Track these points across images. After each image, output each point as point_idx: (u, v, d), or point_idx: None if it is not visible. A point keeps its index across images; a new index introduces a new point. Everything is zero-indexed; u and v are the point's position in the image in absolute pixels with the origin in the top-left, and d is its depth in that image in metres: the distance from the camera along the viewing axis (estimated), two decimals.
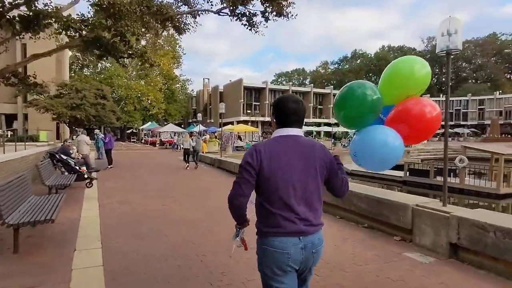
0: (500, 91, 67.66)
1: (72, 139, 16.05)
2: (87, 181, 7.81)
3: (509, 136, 54.77)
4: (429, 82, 2.72)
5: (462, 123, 67.69)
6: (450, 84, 4.34)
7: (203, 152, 18.50)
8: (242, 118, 47.25)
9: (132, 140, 47.25)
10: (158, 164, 15.85)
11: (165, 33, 48.82)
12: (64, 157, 7.61)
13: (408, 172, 18.36)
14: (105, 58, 47.31)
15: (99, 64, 49.18)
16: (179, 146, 15.99)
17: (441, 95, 73.49)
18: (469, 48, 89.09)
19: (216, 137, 26.17)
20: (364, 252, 3.92)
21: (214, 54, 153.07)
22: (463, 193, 15.54)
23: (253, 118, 46.76)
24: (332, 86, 61.14)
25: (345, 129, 49.33)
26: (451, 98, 70.10)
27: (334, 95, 34.19)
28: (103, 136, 12.56)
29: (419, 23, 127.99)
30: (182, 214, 5.74)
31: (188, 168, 13.32)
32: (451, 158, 32.41)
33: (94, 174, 9.59)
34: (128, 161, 16.66)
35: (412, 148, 36.80)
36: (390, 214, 4.58)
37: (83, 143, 10.97)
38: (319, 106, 55.75)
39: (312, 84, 61.06)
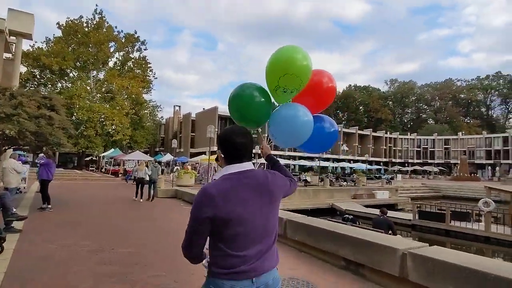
0: (463, 132, 70.99)
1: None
2: None
3: (476, 175, 56.24)
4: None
5: (429, 161, 69.34)
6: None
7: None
8: (216, 148, 44.15)
9: (90, 168, 41.53)
10: (121, 200, 12.10)
11: (135, 54, 46.11)
12: None
13: (417, 215, 16.11)
14: (65, 77, 42.78)
15: (59, 84, 44.24)
16: (135, 177, 12.91)
17: (408, 133, 75.88)
18: (428, 92, 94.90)
19: (194, 168, 22.71)
20: None
21: (184, 86, 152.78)
22: (489, 242, 13.34)
23: None
24: None
25: (325, 164, 47.78)
26: (417, 137, 72.53)
27: None
28: (42, 161, 8.60)
29: (376, 69, 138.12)
30: None
31: (135, 199, 11.98)
32: (457, 198, 30.79)
33: (17, 224, 5.94)
34: (80, 197, 12.71)
35: (394, 185, 35.44)
36: None
37: (9, 171, 7.22)
38: None
39: None
